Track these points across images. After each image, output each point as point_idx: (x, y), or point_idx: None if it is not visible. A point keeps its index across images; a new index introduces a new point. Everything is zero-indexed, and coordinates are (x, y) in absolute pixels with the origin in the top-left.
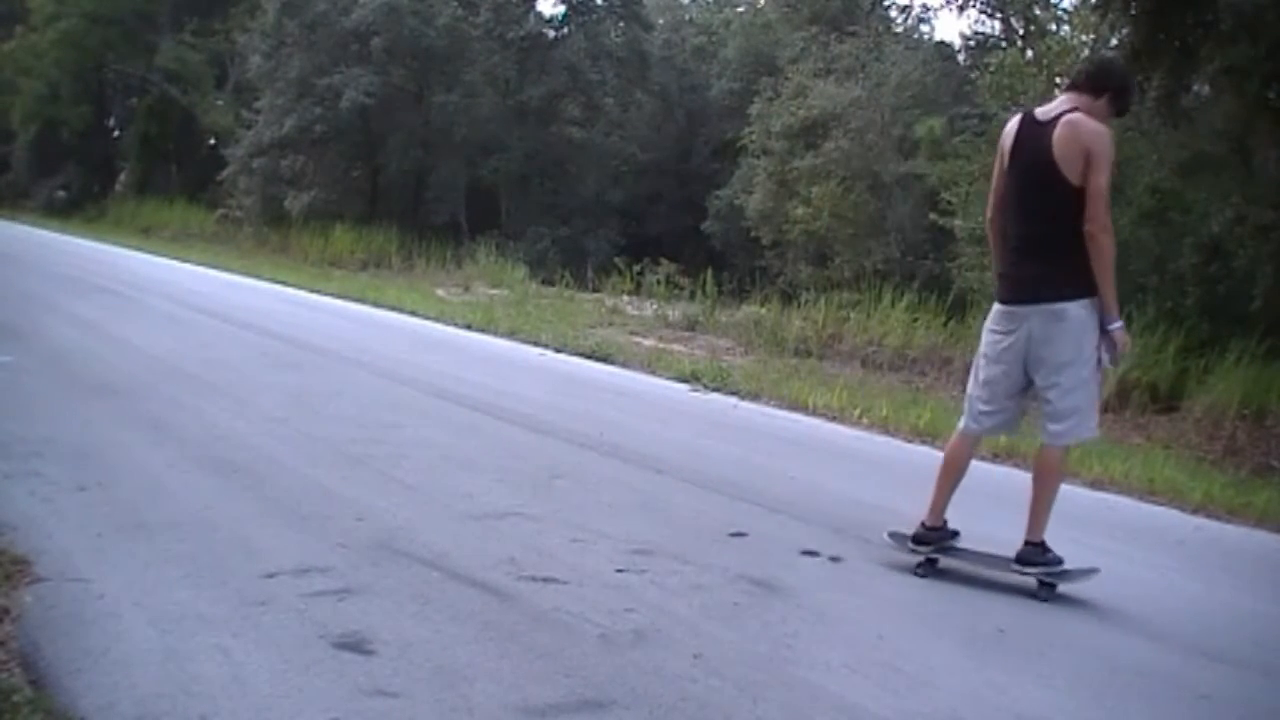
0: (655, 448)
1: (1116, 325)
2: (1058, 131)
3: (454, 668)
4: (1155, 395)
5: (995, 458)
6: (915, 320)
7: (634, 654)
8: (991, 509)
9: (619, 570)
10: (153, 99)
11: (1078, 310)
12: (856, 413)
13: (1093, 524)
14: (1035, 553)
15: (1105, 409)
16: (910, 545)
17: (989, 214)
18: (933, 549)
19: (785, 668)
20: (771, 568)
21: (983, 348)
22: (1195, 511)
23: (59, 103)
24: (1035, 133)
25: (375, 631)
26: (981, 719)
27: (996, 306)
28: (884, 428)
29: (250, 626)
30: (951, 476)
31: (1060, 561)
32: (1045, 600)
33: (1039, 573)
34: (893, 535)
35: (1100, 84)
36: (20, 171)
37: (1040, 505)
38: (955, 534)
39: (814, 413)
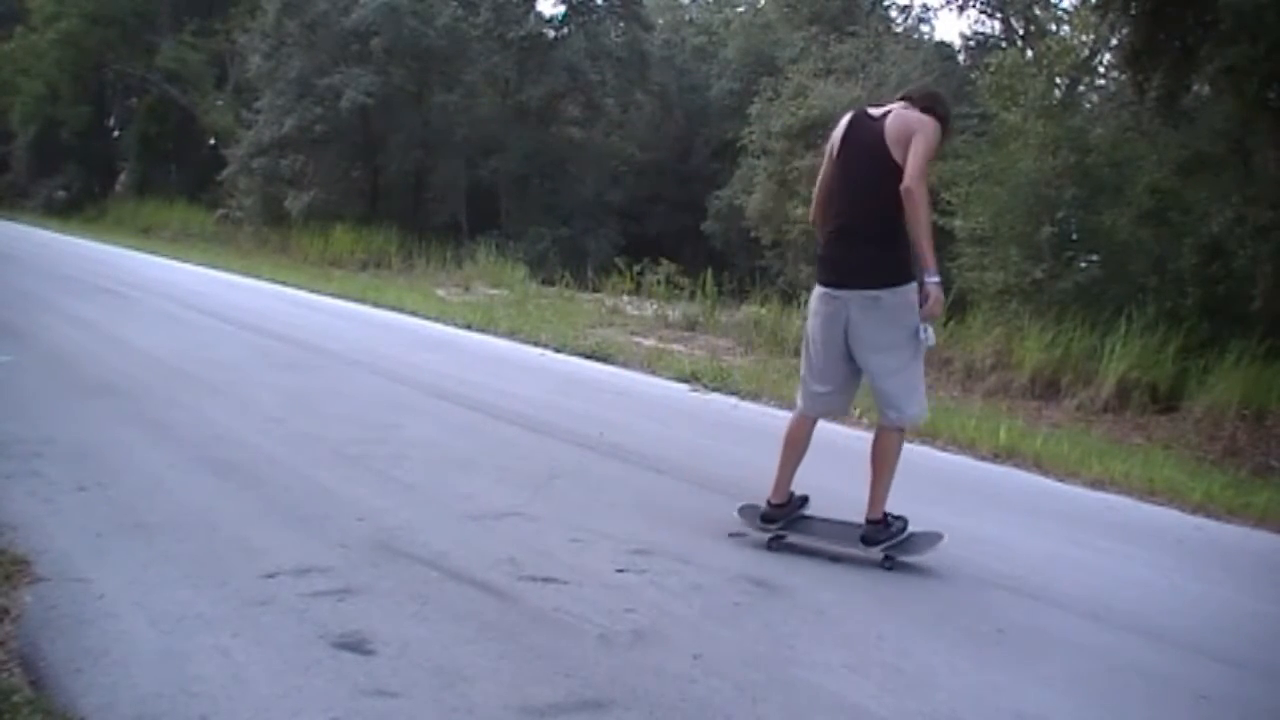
0: (655, 448)
1: (932, 279)
2: (889, 120)
3: (454, 668)
4: (1155, 395)
5: (996, 458)
6: None
7: (634, 654)
8: (991, 508)
9: (619, 570)
10: (153, 99)
11: (892, 297)
12: (856, 413)
13: (1093, 524)
14: (877, 530)
15: (1105, 409)
16: (759, 524)
17: (815, 206)
18: (780, 525)
19: (785, 668)
20: (771, 568)
21: (809, 331)
22: (1195, 511)
23: (59, 103)
24: (868, 124)
25: (375, 631)
26: (981, 719)
27: (817, 288)
28: None
29: (250, 626)
30: (794, 455)
31: (903, 529)
32: (891, 569)
33: (884, 548)
34: (742, 510)
35: (930, 108)
36: (20, 171)
37: (878, 486)
38: (804, 501)
39: None
